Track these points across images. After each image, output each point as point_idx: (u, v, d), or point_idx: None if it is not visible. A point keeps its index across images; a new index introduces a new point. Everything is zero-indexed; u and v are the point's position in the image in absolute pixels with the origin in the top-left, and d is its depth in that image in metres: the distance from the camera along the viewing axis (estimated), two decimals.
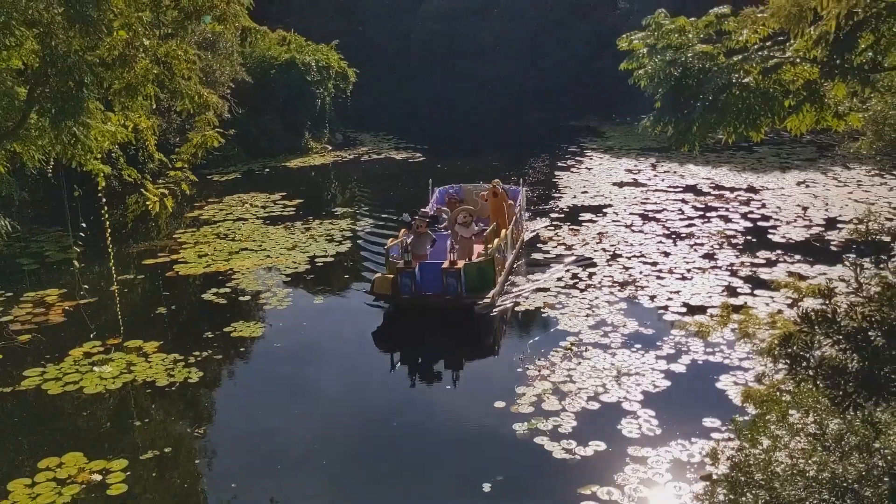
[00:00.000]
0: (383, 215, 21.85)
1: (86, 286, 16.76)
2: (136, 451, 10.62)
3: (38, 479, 9.90)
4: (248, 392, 12.82)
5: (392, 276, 15.01)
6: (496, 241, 15.90)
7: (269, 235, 20.12)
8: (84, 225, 19.20)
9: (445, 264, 14.88)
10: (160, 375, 12.68)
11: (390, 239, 16.63)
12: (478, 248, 16.24)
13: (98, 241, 18.55)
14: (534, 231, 20.45)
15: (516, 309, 15.48)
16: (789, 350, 4.34)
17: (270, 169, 28.22)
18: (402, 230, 16.47)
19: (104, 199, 17.38)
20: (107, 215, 17.68)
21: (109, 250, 17.70)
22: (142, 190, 19.33)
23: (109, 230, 17.78)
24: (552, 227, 20.61)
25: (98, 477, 9.97)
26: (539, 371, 12.62)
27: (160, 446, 10.78)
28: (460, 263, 14.88)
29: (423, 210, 17.55)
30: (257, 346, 14.20)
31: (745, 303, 14.88)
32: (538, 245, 19.26)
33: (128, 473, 10.07)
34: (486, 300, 14.70)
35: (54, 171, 17.87)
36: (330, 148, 31.87)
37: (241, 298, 16.14)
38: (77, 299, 15.94)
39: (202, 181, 24.18)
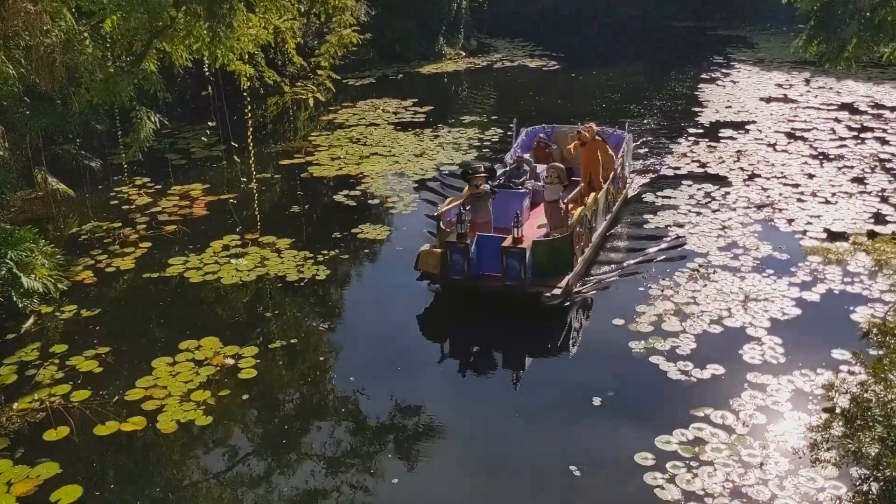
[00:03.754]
0: (511, 125, 21.52)
1: (227, 181, 17.64)
2: (265, 339, 11.32)
3: (179, 358, 10.76)
4: (372, 293, 13.26)
5: (441, 250, 12.17)
6: (578, 210, 12.76)
7: (399, 141, 20.35)
8: (212, 124, 20.00)
9: (507, 241, 11.82)
10: (291, 271, 13.32)
11: (448, 199, 13.66)
12: (572, 208, 12.90)
13: (240, 140, 19.36)
14: (642, 182, 17.17)
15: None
16: None
17: (404, 74, 28.29)
18: (467, 188, 13.20)
19: (248, 98, 18.05)
20: (250, 115, 18.40)
21: (251, 148, 18.46)
22: (290, 89, 19.94)
23: (252, 129, 18.52)
24: (689, 142, 19.72)
25: (231, 361, 10.72)
26: (662, 291, 12.35)
27: (288, 337, 11.42)
28: (527, 241, 11.84)
29: (475, 166, 13.65)
30: (382, 249, 14.59)
31: (893, 231, 13.87)
32: (662, 178, 18.50)
33: (258, 360, 10.77)
34: (556, 289, 11.69)
35: (209, 71, 18.66)
36: (463, 54, 31.50)
37: (369, 202, 16.53)
38: (219, 194, 16.81)
39: (338, 85, 24.55)
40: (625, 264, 13.36)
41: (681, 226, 14.77)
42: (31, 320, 11.76)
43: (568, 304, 12.06)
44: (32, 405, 9.80)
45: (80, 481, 8.60)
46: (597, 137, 14.39)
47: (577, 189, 13.52)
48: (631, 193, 16.35)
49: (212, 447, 9.39)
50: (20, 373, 10.50)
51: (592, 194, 13.54)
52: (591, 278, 12.87)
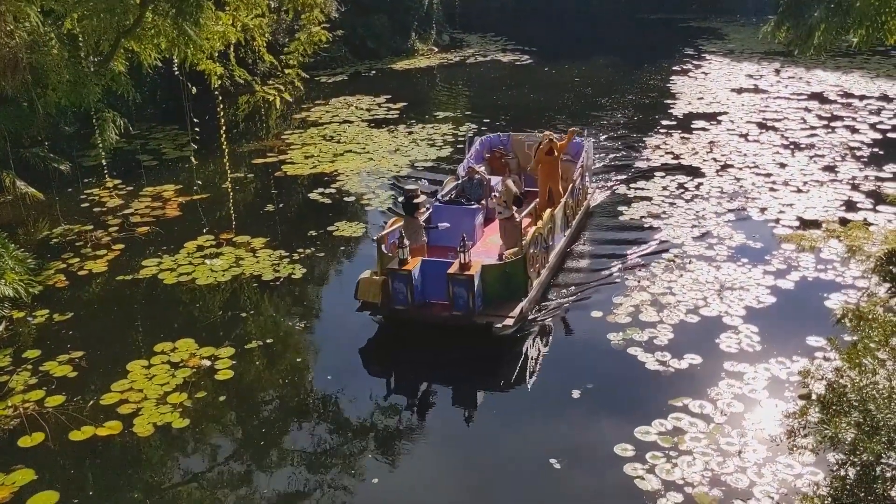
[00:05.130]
0: (485, 120, 21.54)
1: (204, 181, 17.48)
2: (242, 340, 11.21)
3: (154, 361, 10.64)
4: (349, 291, 13.12)
5: (382, 277, 11.23)
6: (532, 229, 11.74)
7: (373, 138, 20.25)
8: (196, 120, 19.84)
9: (453, 267, 10.82)
10: (266, 270, 13.21)
11: (391, 220, 12.43)
12: (527, 226, 12.00)
13: (211, 139, 19.16)
14: (617, 178, 16.74)
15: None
16: (893, 268, 4.04)
17: (377, 71, 28.18)
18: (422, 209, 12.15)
19: (220, 97, 17.87)
20: (222, 114, 18.22)
21: (224, 147, 18.29)
22: (261, 88, 19.80)
23: (224, 128, 18.32)
24: (662, 135, 19.82)
25: (207, 362, 10.62)
26: (639, 282, 12.40)
27: (264, 337, 11.33)
28: (475, 267, 10.78)
29: (409, 189, 12.33)
30: (358, 246, 14.51)
31: (865, 219, 14.04)
32: (636, 171, 18.59)
33: (234, 361, 10.67)
34: (508, 319, 10.71)
35: (179, 69, 18.46)
36: (436, 50, 31.44)
37: (344, 199, 16.44)
38: (191, 195, 16.63)
39: (310, 82, 24.41)
40: (588, 284, 12.47)
41: (655, 216, 14.84)
42: (1, 326, 11.55)
43: (523, 333, 11.13)
44: (6, 412, 9.65)
45: (57, 487, 8.49)
46: (563, 143, 13.78)
47: (533, 204, 12.49)
48: (593, 204, 15.52)
49: (190, 450, 9.29)
50: None
51: (548, 210, 12.44)
52: (550, 302, 11.98)
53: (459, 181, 13.61)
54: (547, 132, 14.29)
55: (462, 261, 10.80)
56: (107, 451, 9.10)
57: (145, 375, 10.33)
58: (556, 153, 13.57)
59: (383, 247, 11.41)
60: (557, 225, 12.73)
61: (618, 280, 12.56)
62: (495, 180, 13.43)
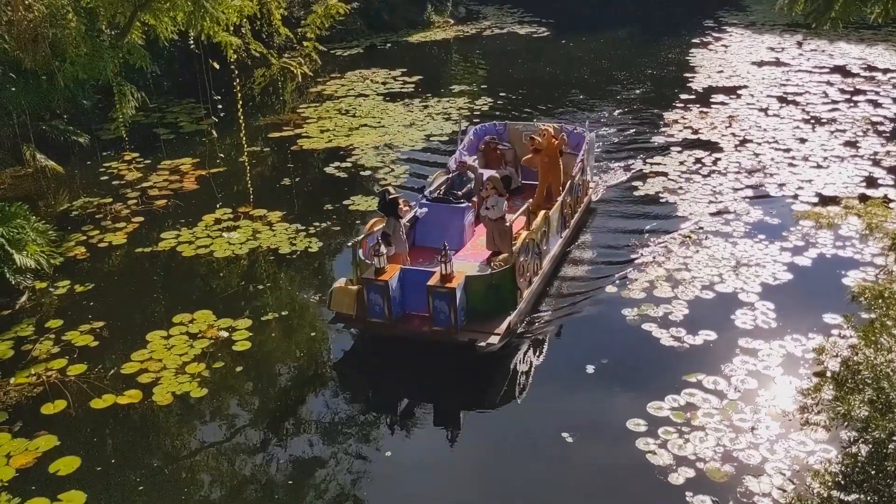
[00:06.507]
0: (501, 93, 21.41)
1: (221, 154, 17.53)
2: (259, 312, 11.34)
3: (173, 332, 10.81)
4: None
5: (357, 287, 10.35)
6: (522, 235, 10.64)
7: (388, 112, 20.19)
8: (218, 97, 19.87)
9: (434, 278, 9.90)
10: (283, 243, 13.30)
11: (370, 223, 11.27)
12: (519, 230, 10.93)
13: (228, 113, 19.19)
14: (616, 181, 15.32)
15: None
16: None
17: (392, 44, 28.00)
18: (404, 207, 11.14)
19: (236, 71, 17.85)
20: (238, 87, 18.22)
21: (240, 121, 18.29)
22: (278, 61, 19.72)
23: (241, 102, 18.33)
24: (680, 109, 19.63)
25: (225, 333, 10.76)
26: (654, 258, 12.39)
27: (281, 309, 11.46)
28: (457, 279, 9.79)
29: (383, 188, 11.73)
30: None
31: (885, 195, 13.91)
32: (653, 146, 18.45)
33: (251, 333, 10.80)
34: (493, 336, 9.76)
35: (195, 43, 18.50)
36: (452, 22, 31.15)
37: (360, 173, 16.46)
38: (209, 168, 16.70)
39: (325, 55, 24.34)
40: (586, 292, 11.60)
41: (671, 191, 14.76)
42: (25, 296, 11.76)
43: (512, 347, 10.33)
44: (29, 380, 9.87)
45: (79, 453, 8.71)
46: (553, 141, 12.59)
47: (527, 204, 11.41)
48: (607, 185, 14.93)
49: (207, 418, 9.46)
50: (16, 348, 10.56)
51: (542, 212, 11.25)
52: (542, 314, 11.12)
53: (449, 175, 12.67)
54: (546, 126, 13.28)
55: (443, 271, 9.84)
56: (127, 418, 9.29)
57: (164, 346, 10.49)
58: (541, 152, 12.54)
59: (360, 252, 10.51)
60: (553, 227, 11.67)
61: (633, 255, 12.52)
62: (487, 174, 12.30)
